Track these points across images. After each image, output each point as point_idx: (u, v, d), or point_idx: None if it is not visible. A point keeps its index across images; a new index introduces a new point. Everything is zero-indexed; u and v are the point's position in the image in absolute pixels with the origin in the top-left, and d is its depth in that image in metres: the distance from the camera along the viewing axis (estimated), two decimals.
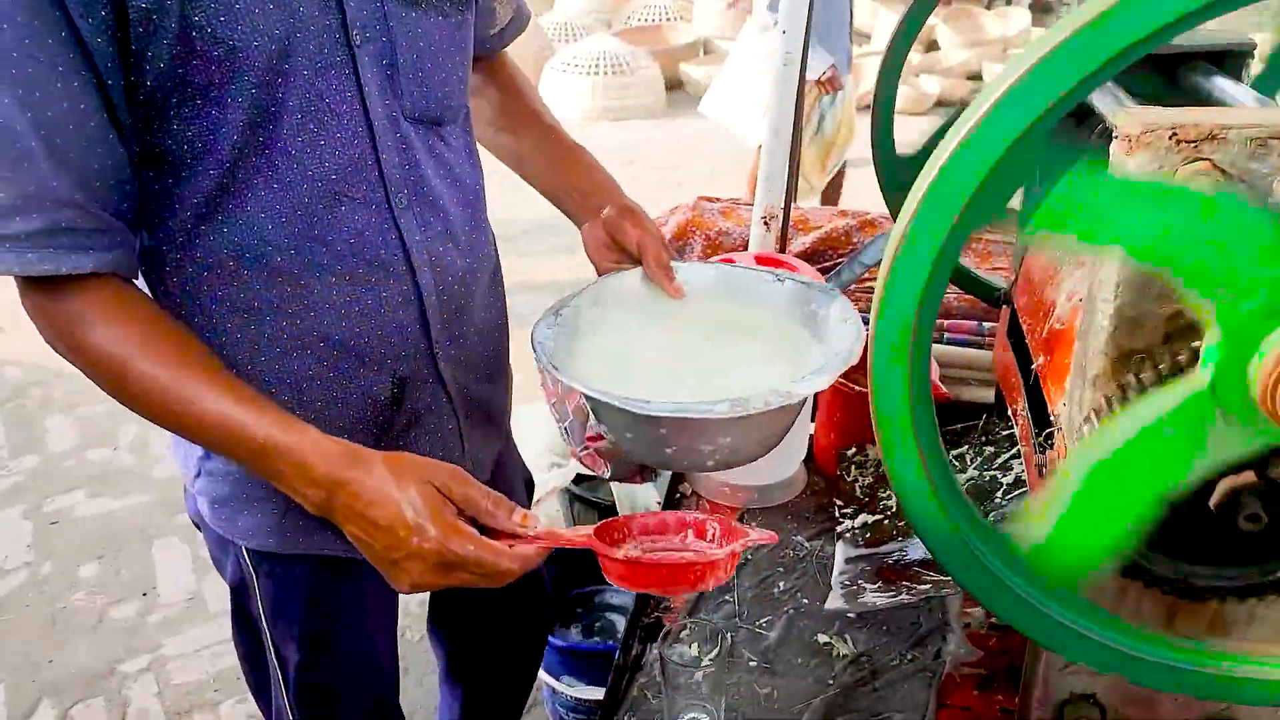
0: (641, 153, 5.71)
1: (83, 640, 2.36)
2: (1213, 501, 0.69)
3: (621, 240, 1.10)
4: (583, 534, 0.84)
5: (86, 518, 2.79)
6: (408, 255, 0.97)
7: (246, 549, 1.07)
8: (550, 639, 1.80)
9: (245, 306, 0.93)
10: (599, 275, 1.13)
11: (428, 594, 1.46)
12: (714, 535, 0.89)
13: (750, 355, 1.03)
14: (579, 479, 2.15)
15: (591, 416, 1.18)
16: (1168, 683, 0.74)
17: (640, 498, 1.89)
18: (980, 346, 1.49)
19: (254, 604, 1.11)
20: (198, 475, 1.06)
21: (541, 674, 1.85)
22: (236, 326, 0.94)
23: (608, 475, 1.85)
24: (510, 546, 0.81)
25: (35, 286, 0.82)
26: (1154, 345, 0.72)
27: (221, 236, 0.90)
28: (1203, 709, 0.85)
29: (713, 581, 0.84)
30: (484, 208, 1.10)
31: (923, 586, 1.02)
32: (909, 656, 1.11)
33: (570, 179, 1.19)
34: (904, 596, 1.01)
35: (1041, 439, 0.87)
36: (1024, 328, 1.03)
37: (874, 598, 1.04)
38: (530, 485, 1.45)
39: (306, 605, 1.11)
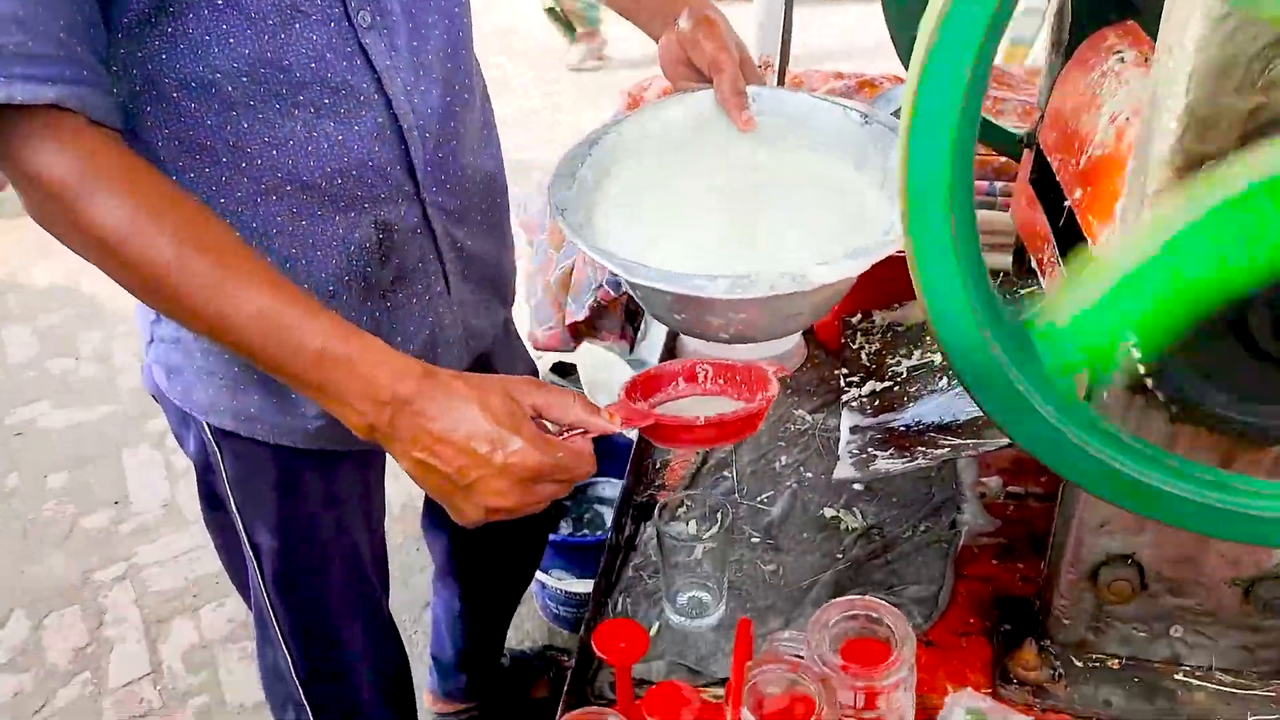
0: None
1: (55, 551, 2.28)
2: None
3: (695, 57, 0.96)
4: (616, 411, 0.75)
5: (52, 429, 2.68)
6: (379, 82, 0.84)
7: (208, 424, 0.97)
8: None
9: (197, 145, 0.81)
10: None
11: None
12: (705, 377, 0.80)
13: (801, 214, 0.90)
14: (557, 367, 2.06)
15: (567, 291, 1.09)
16: (1218, 528, 0.65)
17: (617, 372, 1.80)
18: (992, 207, 1.39)
19: (220, 484, 1.02)
20: (150, 341, 0.95)
21: None
22: (189, 168, 0.82)
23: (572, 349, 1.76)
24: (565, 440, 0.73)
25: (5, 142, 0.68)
26: (1228, 148, 0.62)
27: (161, 64, 0.77)
28: (1254, 565, 0.78)
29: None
30: (467, 35, 0.96)
31: (940, 451, 0.93)
32: (922, 528, 1.04)
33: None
34: (920, 461, 0.93)
35: None
36: (1054, 165, 0.92)
37: (887, 464, 0.96)
38: (534, 372, 1.35)
39: (277, 487, 1.01)
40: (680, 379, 0.82)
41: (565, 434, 0.73)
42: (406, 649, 1.76)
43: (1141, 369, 0.67)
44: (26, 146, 0.68)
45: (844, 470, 0.99)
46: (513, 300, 1.16)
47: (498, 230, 1.06)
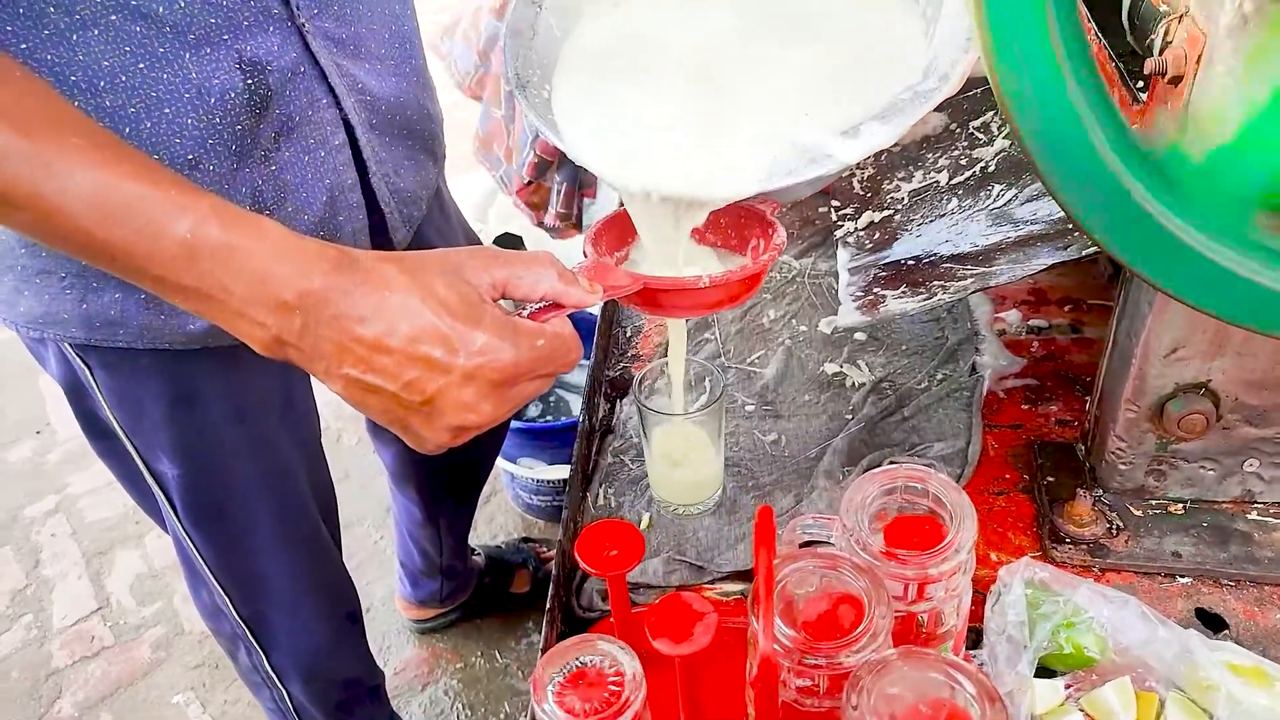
0: None
1: None
2: None
3: None
4: (595, 275, 0.58)
5: None
6: None
7: (67, 340, 0.78)
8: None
9: None
10: None
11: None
12: None
13: (804, 68, 0.65)
14: (502, 239, 1.87)
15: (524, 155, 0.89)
16: None
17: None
18: None
19: (100, 408, 0.84)
20: None
21: (499, 461, 1.65)
22: None
23: (545, 224, 1.57)
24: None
25: None
26: None
27: None
28: None
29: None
30: None
31: (963, 283, 0.78)
32: (939, 376, 0.90)
33: None
34: (942, 297, 0.78)
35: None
36: None
37: (899, 304, 0.81)
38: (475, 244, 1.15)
39: (166, 402, 0.83)
40: None
41: (536, 313, 0.56)
42: (375, 557, 1.63)
43: None
44: None
45: (847, 316, 0.84)
46: (443, 156, 0.97)
47: (410, 67, 0.85)
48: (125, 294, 0.73)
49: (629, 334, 1.00)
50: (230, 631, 1.05)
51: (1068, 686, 0.64)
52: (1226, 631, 0.68)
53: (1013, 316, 0.96)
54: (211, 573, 0.96)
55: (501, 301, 0.55)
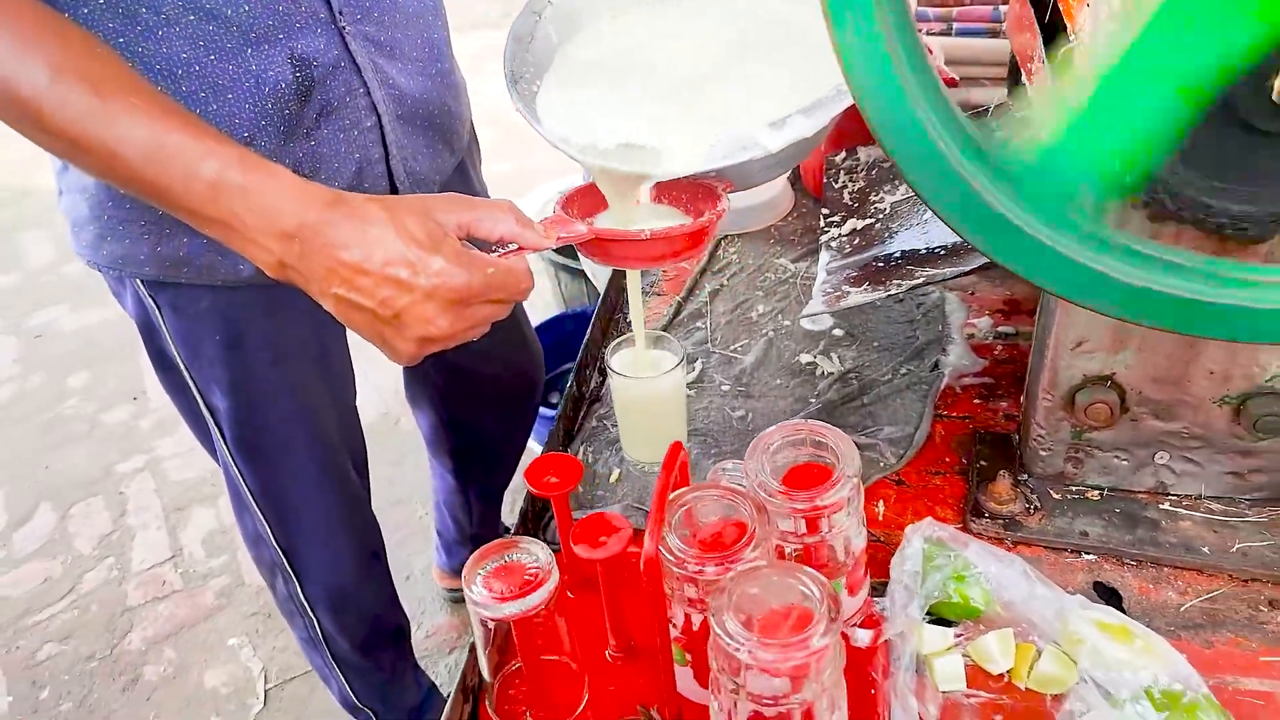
0: None
1: (77, 446, 2.33)
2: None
3: None
4: (552, 225, 0.70)
5: (70, 330, 2.71)
6: None
7: (141, 280, 0.94)
8: (542, 413, 1.71)
9: None
10: None
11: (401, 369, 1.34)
12: (648, 193, 0.74)
13: (771, 75, 0.78)
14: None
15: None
16: (1212, 326, 0.58)
17: None
18: (996, 35, 1.28)
19: (166, 344, 0.99)
20: (60, 194, 0.91)
21: (538, 447, 1.77)
22: (86, 3, 0.76)
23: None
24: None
25: None
26: None
27: None
28: (1245, 380, 0.72)
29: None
30: None
31: (912, 281, 0.87)
32: (903, 371, 0.98)
33: None
34: (893, 290, 0.86)
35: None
36: None
37: (858, 297, 0.89)
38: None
39: (222, 342, 0.98)
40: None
41: (498, 251, 0.68)
42: (420, 533, 1.76)
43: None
44: None
45: (813, 307, 0.93)
46: (463, 150, 1.09)
47: (437, 69, 0.99)
48: (191, 238, 0.88)
49: (628, 318, 1.10)
50: (270, 559, 1.19)
51: (958, 635, 0.72)
52: (1120, 604, 0.74)
53: (983, 323, 1.03)
54: (255, 501, 1.10)
55: (468, 241, 0.67)
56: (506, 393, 1.39)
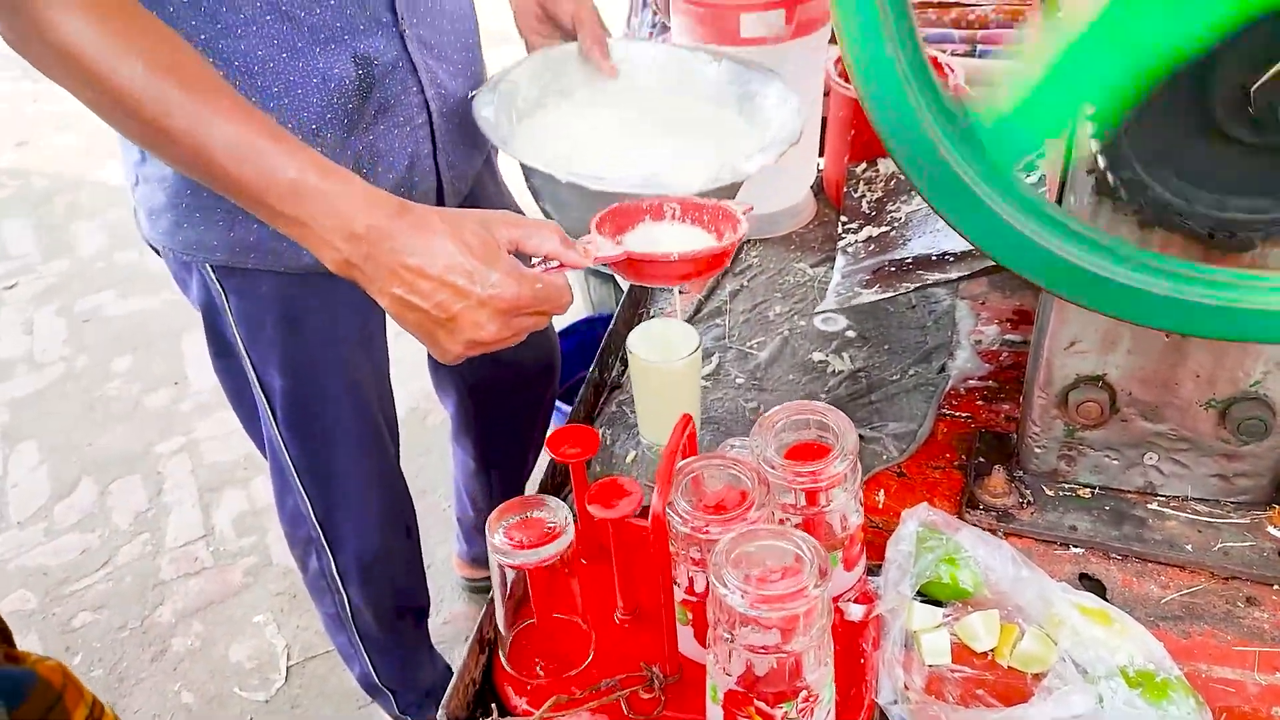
0: None
1: (119, 425, 2.42)
2: (1256, 86, 0.56)
3: (554, 13, 1.05)
4: (590, 245, 0.76)
5: (117, 316, 2.81)
6: None
7: (210, 265, 1.01)
8: (568, 413, 1.76)
9: None
10: (529, 51, 1.08)
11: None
12: (673, 214, 0.80)
13: (684, 139, 1.01)
14: None
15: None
16: (1193, 324, 0.63)
17: None
18: None
19: (228, 326, 1.06)
20: (136, 184, 0.98)
21: None
22: (170, 1, 0.83)
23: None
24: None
25: None
26: None
27: None
28: (1230, 384, 0.76)
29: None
30: None
31: (921, 283, 0.92)
32: (911, 372, 1.02)
33: None
34: (903, 291, 0.91)
35: None
36: None
37: (868, 296, 0.94)
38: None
39: (281, 324, 1.05)
40: (648, 215, 0.82)
41: (541, 267, 0.74)
42: (442, 523, 1.81)
43: (1100, 159, 0.65)
44: None
45: (827, 304, 0.98)
46: (487, 146, 1.16)
47: (473, 71, 1.06)
48: (260, 224, 0.95)
49: (652, 314, 1.16)
50: (305, 536, 1.25)
51: (946, 615, 0.76)
52: (1104, 594, 0.78)
53: (991, 330, 1.07)
54: (298, 475, 1.17)
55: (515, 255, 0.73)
56: (528, 378, 1.45)
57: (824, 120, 1.30)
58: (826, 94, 1.27)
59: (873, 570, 0.80)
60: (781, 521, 0.71)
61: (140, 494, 2.22)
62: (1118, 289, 0.61)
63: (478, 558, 1.82)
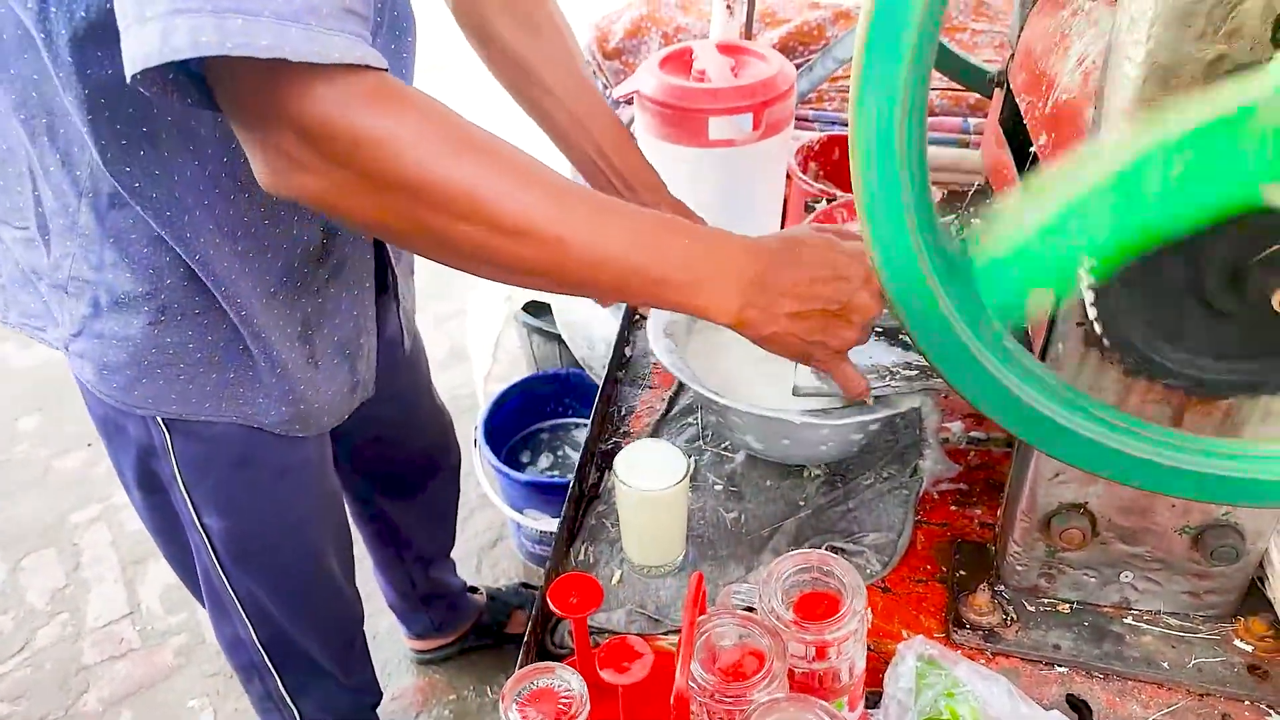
0: None
1: (28, 493, 2.28)
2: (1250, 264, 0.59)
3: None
4: None
5: (20, 369, 2.65)
6: None
7: (157, 416, 0.96)
8: (511, 474, 1.74)
9: (197, 137, 0.80)
10: None
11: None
12: None
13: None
14: (529, 306, 2.04)
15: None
16: (1174, 486, 0.66)
17: (596, 331, 1.79)
18: (965, 145, 1.36)
19: (166, 467, 1.01)
20: (78, 334, 0.91)
21: (506, 509, 1.80)
22: (186, 163, 0.81)
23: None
24: None
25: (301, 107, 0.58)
26: None
27: None
28: (1203, 514, 0.79)
29: None
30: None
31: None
32: (885, 474, 1.04)
33: (607, 152, 1.03)
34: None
35: None
36: (1022, 108, 0.90)
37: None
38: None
39: (235, 464, 1.01)
40: None
41: None
42: (380, 594, 1.77)
43: (1097, 326, 0.67)
44: (346, 105, 0.58)
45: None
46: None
47: None
48: (219, 375, 0.93)
49: (623, 412, 1.15)
50: (249, 662, 1.21)
51: None
52: (1091, 717, 0.81)
53: (957, 427, 1.10)
54: (241, 606, 1.12)
55: None
56: (423, 463, 1.45)
57: (784, 206, 1.31)
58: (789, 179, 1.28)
59: (870, 699, 0.80)
60: (791, 672, 0.71)
61: (56, 569, 2.09)
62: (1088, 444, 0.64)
63: (422, 633, 1.78)
